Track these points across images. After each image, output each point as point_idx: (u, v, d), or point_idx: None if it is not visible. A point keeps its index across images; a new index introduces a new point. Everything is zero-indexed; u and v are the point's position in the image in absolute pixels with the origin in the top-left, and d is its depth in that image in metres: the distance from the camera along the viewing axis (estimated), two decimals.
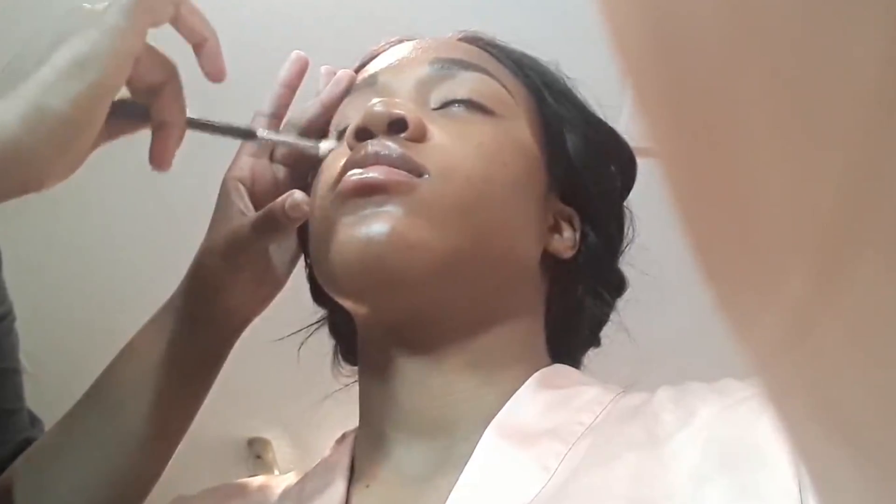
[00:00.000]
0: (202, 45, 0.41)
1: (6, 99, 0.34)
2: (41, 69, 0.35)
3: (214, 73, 0.42)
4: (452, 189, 0.38)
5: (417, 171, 0.38)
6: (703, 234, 0.10)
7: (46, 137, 0.34)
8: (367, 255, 0.37)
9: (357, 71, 0.48)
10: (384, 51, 0.47)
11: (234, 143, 0.49)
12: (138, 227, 1.26)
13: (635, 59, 0.11)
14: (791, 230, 0.08)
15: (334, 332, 0.50)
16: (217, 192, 0.47)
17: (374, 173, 0.38)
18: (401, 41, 0.48)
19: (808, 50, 0.08)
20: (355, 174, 0.38)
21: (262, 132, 0.46)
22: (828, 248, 0.08)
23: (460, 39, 0.48)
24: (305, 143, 0.45)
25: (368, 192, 0.38)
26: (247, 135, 0.45)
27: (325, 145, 0.45)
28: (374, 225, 0.37)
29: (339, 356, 0.51)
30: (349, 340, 0.48)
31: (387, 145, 0.38)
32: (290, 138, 0.46)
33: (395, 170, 0.38)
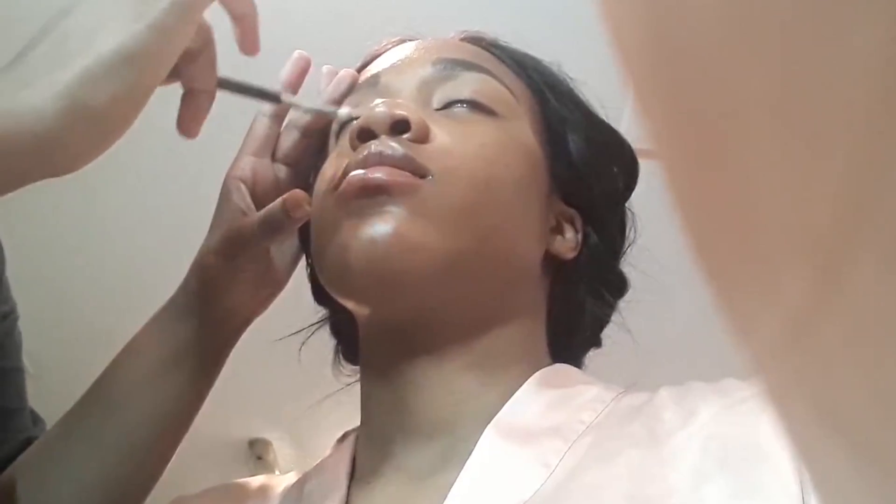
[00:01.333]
0: (243, 18, 0.41)
1: (46, 81, 0.33)
2: (83, 58, 0.33)
3: (250, 47, 0.42)
4: (455, 190, 0.38)
5: (420, 172, 0.38)
6: (702, 235, 0.10)
7: (81, 132, 0.34)
8: (370, 256, 0.37)
9: (359, 71, 0.48)
10: (386, 51, 0.47)
11: (237, 140, 0.49)
12: (140, 225, 1.26)
13: (635, 61, 0.11)
14: (790, 231, 0.08)
15: (335, 331, 0.50)
16: (219, 191, 0.47)
17: (377, 174, 0.38)
18: (403, 41, 0.48)
19: (807, 52, 0.08)
20: (358, 174, 0.38)
21: (286, 96, 0.46)
22: (827, 249, 0.08)
23: (463, 40, 0.48)
24: (325, 109, 0.46)
25: (371, 192, 0.38)
26: (271, 97, 0.46)
27: (344, 111, 0.45)
28: (378, 225, 0.37)
29: (340, 356, 0.51)
30: (350, 340, 0.48)
31: (390, 146, 0.38)
32: (311, 104, 0.47)
33: (398, 170, 0.38)
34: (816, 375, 0.09)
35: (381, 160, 0.38)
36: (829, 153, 0.08)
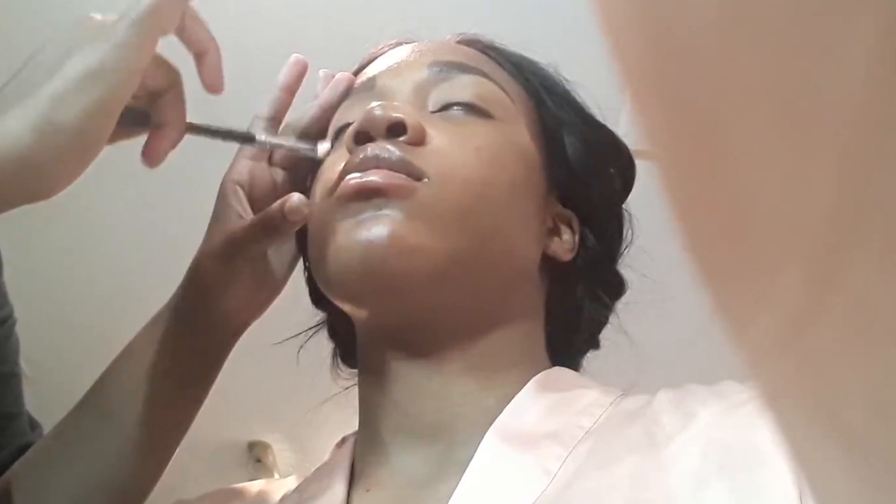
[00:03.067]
0: (203, 56, 0.42)
1: (18, 109, 0.35)
2: (52, 81, 0.35)
3: (213, 85, 0.42)
4: (451, 193, 0.38)
5: (416, 175, 0.38)
6: (698, 235, 0.10)
7: (56, 151, 0.35)
8: (367, 259, 0.37)
9: (355, 74, 0.48)
10: (382, 54, 0.47)
11: (233, 147, 0.49)
12: (137, 230, 1.26)
13: (632, 62, 0.11)
14: (786, 231, 0.08)
15: (333, 334, 0.50)
16: (215, 195, 0.47)
17: (373, 177, 0.38)
18: (399, 44, 0.48)
19: (801, 54, 0.08)
20: (354, 178, 0.38)
21: (261, 136, 0.46)
22: (822, 249, 0.08)
23: (459, 42, 0.48)
24: (303, 146, 0.46)
25: (367, 195, 0.38)
26: (245, 139, 0.46)
27: (322, 148, 0.45)
28: (374, 228, 0.37)
29: (339, 359, 0.51)
30: (348, 343, 0.48)
31: (386, 148, 0.39)
32: (288, 141, 0.46)
33: (395, 173, 0.38)
34: (812, 376, 0.09)
35: (377, 163, 0.38)
36: (824, 153, 0.08)
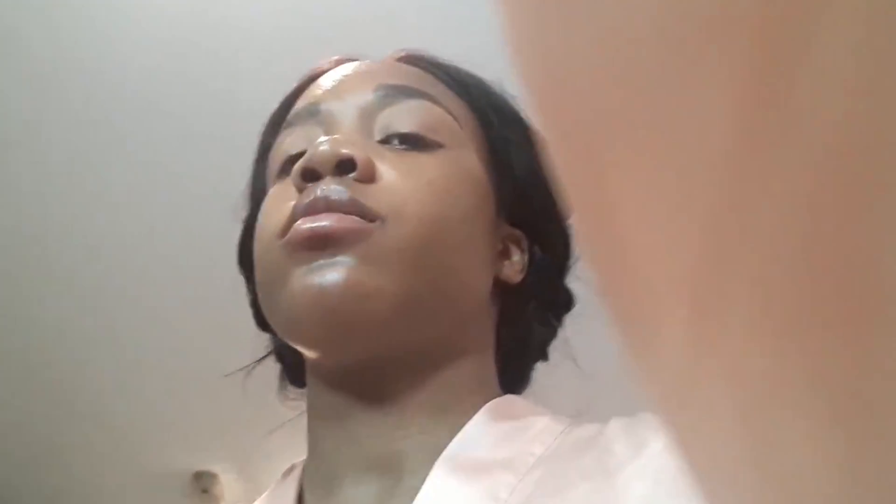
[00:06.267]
0: None
1: None
2: None
3: None
4: (405, 232, 0.37)
5: (369, 216, 0.37)
6: (602, 276, 0.10)
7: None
8: (323, 306, 0.36)
9: (296, 93, 0.47)
10: (324, 72, 0.46)
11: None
12: (139, 227, 1.23)
13: (536, 99, 0.11)
14: (665, 273, 0.08)
15: (280, 358, 0.49)
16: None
17: (324, 221, 0.37)
18: (340, 61, 0.47)
19: (669, 102, 0.08)
20: (306, 224, 0.37)
21: None
22: (696, 307, 0.08)
23: (401, 60, 0.47)
24: None
25: (321, 244, 0.36)
26: None
27: None
28: (329, 275, 0.36)
29: (287, 381, 0.49)
30: (296, 366, 0.47)
31: (336, 189, 0.37)
32: None
33: (347, 216, 0.37)
34: (698, 434, 0.09)
35: (327, 206, 0.37)
36: (692, 206, 0.08)
